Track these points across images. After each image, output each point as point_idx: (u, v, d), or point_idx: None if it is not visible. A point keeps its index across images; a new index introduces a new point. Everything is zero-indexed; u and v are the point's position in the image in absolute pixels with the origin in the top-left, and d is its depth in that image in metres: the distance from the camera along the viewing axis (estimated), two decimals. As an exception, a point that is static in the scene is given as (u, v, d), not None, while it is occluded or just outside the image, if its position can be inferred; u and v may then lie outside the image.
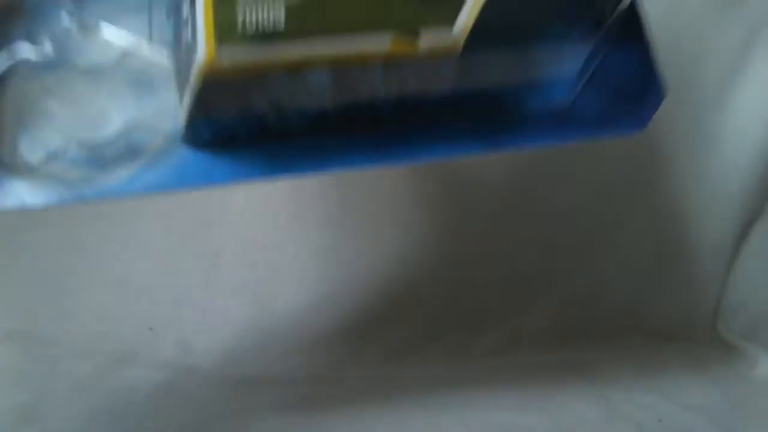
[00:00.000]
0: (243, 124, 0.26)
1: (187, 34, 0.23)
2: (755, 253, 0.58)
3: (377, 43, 0.23)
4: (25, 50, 0.26)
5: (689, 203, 0.59)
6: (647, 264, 0.59)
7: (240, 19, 0.22)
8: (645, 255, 0.59)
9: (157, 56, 0.27)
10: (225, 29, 0.22)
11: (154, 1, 0.27)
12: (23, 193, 0.25)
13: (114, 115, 0.26)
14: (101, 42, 0.27)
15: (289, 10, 0.23)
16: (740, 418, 0.39)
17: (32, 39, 0.26)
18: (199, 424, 0.38)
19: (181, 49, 0.24)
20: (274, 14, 0.22)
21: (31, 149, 0.26)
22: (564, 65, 0.27)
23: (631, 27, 0.29)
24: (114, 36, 0.27)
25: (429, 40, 0.23)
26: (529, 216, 0.58)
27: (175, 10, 0.25)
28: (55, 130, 0.26)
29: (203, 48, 0.22)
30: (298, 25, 0.23)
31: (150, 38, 0.27)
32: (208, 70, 0.22)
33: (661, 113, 0.58)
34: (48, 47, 0.26)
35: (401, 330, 0.51)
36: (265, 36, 0.23)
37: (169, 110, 0.26)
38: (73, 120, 0.26)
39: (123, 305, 0.47)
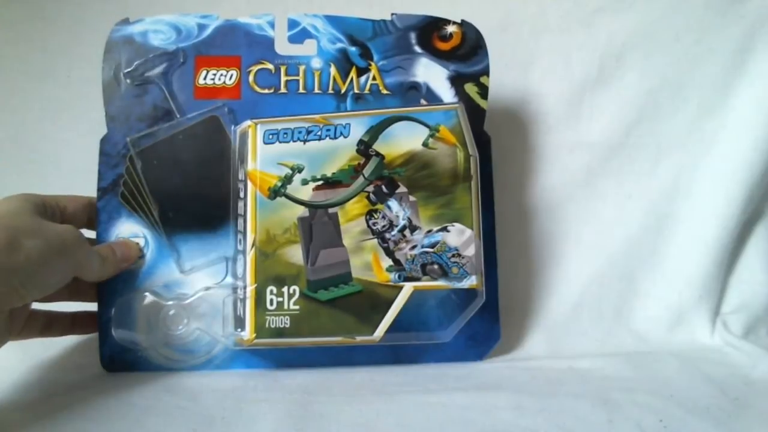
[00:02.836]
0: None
1: (239, 310, 0.47)
2: (755, 253, 0.59)
3: (337, 339, 0.47)
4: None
5: (689, 203, 0.59)
6: (647, 264, 0.60)
7: (267, 322, 0.46)
8: (644, 255, 0.60)
9: (224, 292, 0.48)
10: (259, 327, 0.46)
11: (229, 261, 0.48)
12: (154, 361, 0.47)
13: (193, 329, 0.47)
14: (192, 281, 0.48)
15: (292, 319, 0.46)
16: (740, 418, 0.39)
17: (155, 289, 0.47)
18: (200, 422, 0.38)
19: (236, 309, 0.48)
20: (284, 320, 0.46)
21: (154, 342, 0.47)
22: (443, 330, 0.48)
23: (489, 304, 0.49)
24: (200, 280, 0.48)
25: (361, 338, 0.47)
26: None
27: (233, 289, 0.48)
28: (160, 331, 0.47)
29: (248, 333, 0.46)
30: (296, 328, 0.46)
31: (223, 280, 0.48)
32: (248, 343, 0.46)
33: (661, 113, 0.59)
34: (164, 288, 0.47)
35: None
36: (279, 332, 0.46)
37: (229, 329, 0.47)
38: (174, 326, 0.47)
39: None
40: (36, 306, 0.46)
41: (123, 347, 0.46)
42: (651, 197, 0.60)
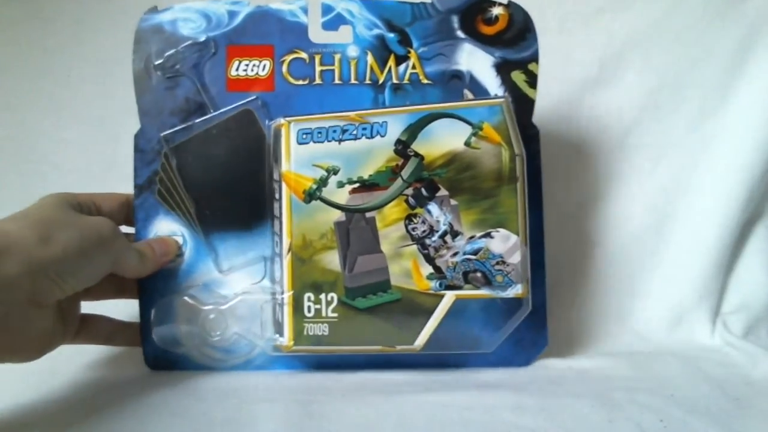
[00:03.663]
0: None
1: (278, 314, 0.46)
2: (755, 253, 0.58)
3: (376, 348, 0.45)
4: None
5: (689, 203, 0.59)
6: (647, 264, 0.59)
7: (305, 329, 0.45)
8: (644, 255, 0.59)
9: (262, 297, 0.46)
10: (298, 334, 0.45)
11: (268, 261, 0.46)
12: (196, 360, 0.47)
13: (232, 333, 0.46)
14: (231, 283, 0.47)
15: (330, 327, 0.44)
16: (740, 418, 0.39)
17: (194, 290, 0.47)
18: (201, 421, 0.38)
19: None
20: (323, 328, 0.44)
21: (195, 344, 0.46)
22: (487, 340, 0.46)
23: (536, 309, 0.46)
24: (238, 280, 0.47)
25: (401, 348, 0.45)
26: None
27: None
28: (200, 336, 0.46)
29: (286, 340, 0.45)
30: (334, 336, 0.44)
31: (261, 281, 0.47)
32: (286, 349, 0.45)
33: (661, 113, 0.60)
34: (204, 288, 0.47)
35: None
36: (317, 339, 0.44)
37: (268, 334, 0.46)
38: (213, 331, 0.46)
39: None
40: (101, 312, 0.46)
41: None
42: (651, 197, 0.60)
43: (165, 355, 0.46)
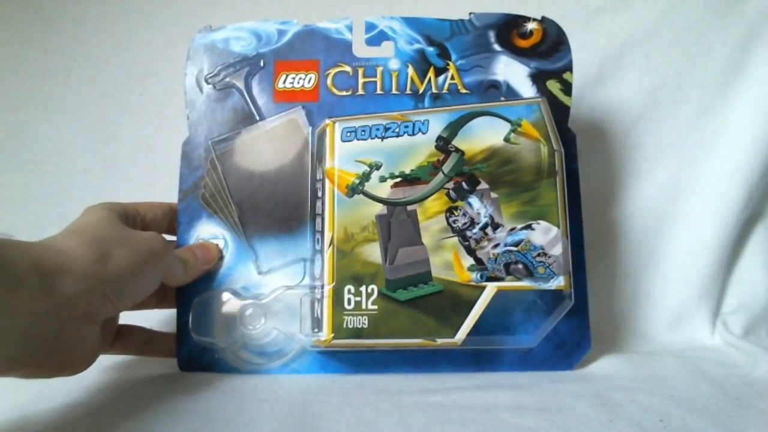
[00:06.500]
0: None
1: (317, 310, 0.44)
2: (755, 253, 0.57)
3: (417, 342, 0.43)
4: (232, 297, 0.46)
5: (689, 203, 0.58)
6: (646, 264, 0.58)
7: (344, 322, 0.43)
8: (644, 255, 0.58)
9: (301, 291, 0.45)
10: (337, 327, 0.43)
11: (307, 262, 0.46)
12: (230, 364, 0.45)
13: (270, 328, 0.45)
14: (269, 282, 0.46)
15: (370, 319, 0.43)
16: (740, 418, 0.37)
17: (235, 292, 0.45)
18: (200, 421, 0.37)
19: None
20: (362, 321, 0.43)
21: (231, 342, 0.45)
22: (529, 334, 0.44)
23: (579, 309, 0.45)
24: (277, 282, 0.46)
25: (442, 341, 0.43)
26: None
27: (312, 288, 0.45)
28: (238, 331, 0.45)
29: (325, 334, 0.43)
30: (374, 328, 0.43)
31: (301, 282, 0.45)
32: (325, 343, 0.43)
33: (661, 112, 0.58)
34: (242, 289, 0.46)
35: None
36: (357, 332, 0.43)
37: (306, 329, 0.45)
38: (250, 324, 0.45)
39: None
40: (135, 322, 0.45)
41: (201, 348, 0.45)
42: (651, 197, 0.59)
43: (200, 357, 0.45)
